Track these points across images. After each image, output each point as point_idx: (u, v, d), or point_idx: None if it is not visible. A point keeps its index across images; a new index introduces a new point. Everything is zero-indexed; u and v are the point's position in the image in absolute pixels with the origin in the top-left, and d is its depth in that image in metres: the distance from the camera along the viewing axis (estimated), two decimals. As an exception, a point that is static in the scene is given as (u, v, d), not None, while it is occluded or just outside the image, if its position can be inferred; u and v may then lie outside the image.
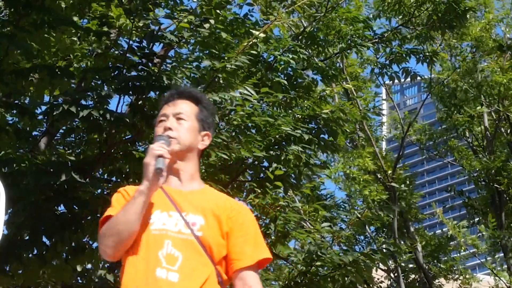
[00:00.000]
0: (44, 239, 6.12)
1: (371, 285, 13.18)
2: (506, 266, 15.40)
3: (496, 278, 15.30)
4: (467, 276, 16.63)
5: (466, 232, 14.74)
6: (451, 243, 16.88)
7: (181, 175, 2.63)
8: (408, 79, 12.03)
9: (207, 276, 2.45)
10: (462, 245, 15.05)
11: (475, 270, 17.51)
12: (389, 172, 15.12)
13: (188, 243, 2.47)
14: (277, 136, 7.13)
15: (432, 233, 18.17)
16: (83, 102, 6.10)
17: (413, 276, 16.37)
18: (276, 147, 7.22)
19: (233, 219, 2.58)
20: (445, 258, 16.62)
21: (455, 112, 15.77)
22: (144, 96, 6.27)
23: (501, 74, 14.67)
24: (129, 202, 2.49)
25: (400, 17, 11.99)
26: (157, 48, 7.19)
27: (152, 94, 6.30)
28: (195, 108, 2.72)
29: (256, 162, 7.36)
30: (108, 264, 6.98)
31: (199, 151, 2.71)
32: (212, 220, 2.53)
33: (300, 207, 9.90)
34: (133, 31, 6.68)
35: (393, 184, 14.76)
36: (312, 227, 9.49)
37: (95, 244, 6.59)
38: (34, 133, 7.30)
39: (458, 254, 17.95)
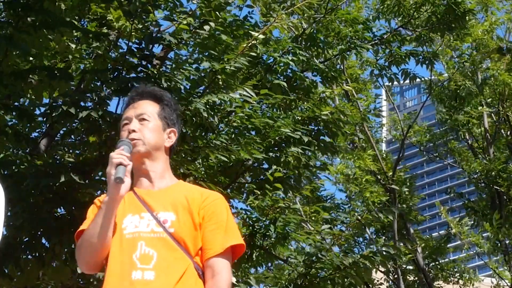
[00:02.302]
0: (43, 241, 6.12)
1: (371, 287, 13.17)
2: (508, 266, 15.40)
3: (498, 277, 15.31)
4: (467, 277, 16.62)
5: (470, 231, 14.78)
6: (450, 245, 16.90)
7: (150, 175, 2.66)
8: (408, 80, 12.03)
9: (183, 270, 2.46)
10: (465, 244, 15.07)
11: (475, 272, 17.43)
12: (389, 174, 15.12)
13: (161, 241, 2.49)
14: (276, 138, 7.13)
15: (429, 236, 18.18)
16: (82, 103, 6.09)
17: (412, 278, 16.36)
18: (276, 149, 7.22)
19: (205, 209, 2.59)
20: (445, 260, 16.63)
21: (456, 113, 15.78)
22: (143, 98, 6.25)
23: (507, 74, 14.67)
24: (97, 215, 2.54)
25: (400, 18, 11.99)
26: (157, 49, 7.20)
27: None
28: (157, 107, 2.75)
29: (256, 164, 7.36)
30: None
31: (166, 149, 2.74)
32: (183, 214, 2.55)
33: (300, 209, 9.91)
34: (133, 33, 6.68)
35: (393, 186, 14.76)
36: (312, 229, 9.49)
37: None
38: (34, 134, 7.29)
39: (459, 255, 17.97)
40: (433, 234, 19.63)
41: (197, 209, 2.57)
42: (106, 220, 2.50)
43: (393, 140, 19.02)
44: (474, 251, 16.11)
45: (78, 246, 2.57)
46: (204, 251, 2.54)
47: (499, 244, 15.05)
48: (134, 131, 2.66)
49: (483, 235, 15.47)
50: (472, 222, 15.56)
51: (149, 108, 2.73)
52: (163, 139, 2.72)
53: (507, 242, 15.61)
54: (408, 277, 16.28)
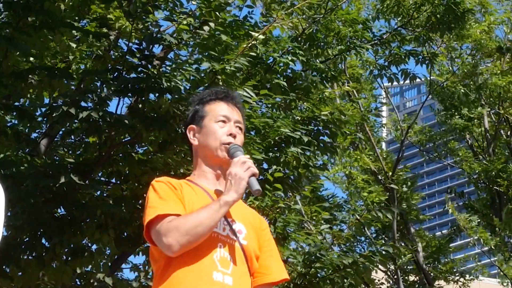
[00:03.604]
0: (44, 241, 6.12)
1: (371, 287, 13.17)
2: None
3: (503, 275, 15.32)
4: (471, 277, 16.64)
5: (477, 228, 14.79)
6: (452, 244, 16.91)
7: (227, 183, 2.55)
8: (407, 81, 12.04)
9: (250, 284, 2.47)
10: (471, 241, 15.08)
11: (476, 273, 17.42)
12: (390, 173, 15.13)
13: (235, 249, 2.46)
14: (276, 138, 7.13)
15: (432, 235, 18.18)
16: (82, 103, 6.10)
17: (413, 277, 16.36)
18: (276, 149, 7.22)
19: (263, 233, 2.60)
20: (446, 259, 16.64)
21: (455, 113, 15.79)
22: (143, 98, 6.26)
23: (500, 77, 14.69)
24: (213, 208, 2.40)
25: (399, 18, 12.00)
26: (157, 50, 7.20)
27: (151, 96, 6.30)
28: (242, 119, 2.69)
29: (256, 164, 7.35)
30: (109, 264, 6.98)
31: None
32: (251, 231, 2.55)
33: (301, 208, 9.90)
34: (133, 33, 6.68)
35: (392, 186, 14.76)
36: (313, 228, 9.49)
37: (94, 246, 6.59)
38: (34, 135, 7.30)
39: (462, 255, 17.95)
40: (436, 234, 19.61)
41: (259, 231, 2.58)
42: (220, 217, 2.40)
43: (394, 139, 19.02)
44: (480, 249, 16.12)
45: (175, 227, 2.37)
46: (260, 275, 2.53)
47: (506, 240, 15.08)
48: (235, 137, 2.59)
49: (488, 233, 15.47)
50: (478, 221, 15.59)
51: (241, 119, 2.68)
52: None
53: (510, 240, 15.64)
54: (409, 277, 16.29)
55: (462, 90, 14.98)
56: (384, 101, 17.86)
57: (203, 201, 2.48)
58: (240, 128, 2.63)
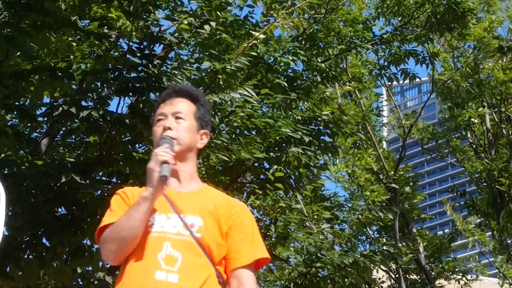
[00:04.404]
0: (44, 240, 6.11)
1: (372, 286, 13.17)
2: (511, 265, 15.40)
3: (502, 276, 15.32)
4: (473, 277, 16.64)
5: (476, 229, 14.79)
6: (453, 243, 16.90)
7: (180, 176, 2.61)
8: (408, 80, 12.03)
9: (206, 276, 2.44)
10: (470, 242, 15.08)
11: (477, 272, 17.43)
12: (391, 173, 15.12)
13: (187, 244, 2.45)
14: (277, 138, 7.13)
15: (433, 234, 18.18)
16: (83, 103, 6.09)
17: (414, 276, 16.36)
18: (276, 148, 7.22)
19: (232, 218, 2.56)
20: (448, 259, 16.63)
21: (457, 111, 15.79)
22: (144, 98, 6.26)
23: (503, 73, 14.68)
24: (133, 208, 2.47)
25: (400, 18, 11.99)
26: (157, 49, 7.19)
27: (152, 95, 6.29)
28: (193, 107, 2.69)
29: (256, 164, 7.35)
30: (108, 265, 6.98)
31: (198, 150, 2.69)
32: (210, 220, 2.52)
33: (303, 208, 9.90)
34: (133, 33, 6.67)
35: (393, 185, 14.76)
36: (314, 228, 9.48)
37: (95, 246, 6.59)
38: (34, 134, 7.29)
39: (462, 254, 17.94)
40: (438, 233, 19.61)
41: (224, 217, 2.54)
42: (143, 215, 2.43)
43: (397, 137, 19.02)
44: (479, 249, 16.12)
45: (105, 238, 2.48)
46: (231, 260, 2.52)
47: (504, 242, 15.08)
48: (170, 128, 2.60)
49: (487, 233, 15.48)
50: (480, 220, 15.59)
51: (185, 106, 2.67)
52: (196, 140, 2.66)
53: (509, 241, 15.62)
54: (410, 276, 16.28)
55: (465, 85, 14.96)
56: (385, 100, 17.87)
57: (155, 205, 2.51)
58: (181, 117, 2.63)
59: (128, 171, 6.69)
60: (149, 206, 2.45)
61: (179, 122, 2.63)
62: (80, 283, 6.85)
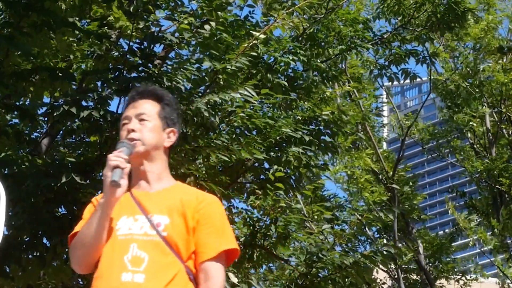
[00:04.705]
0: (44, 240, 6.11)
1: (372, 286, 13.17)
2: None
3: (503, 276, 15.32)
4: (473, 277, 16.63)
5: (476, 228, 14.79)
6: (454, 243, 16.90)
7: (148, 176, 2.64)
8: (408, 80, 12.03)
9: (174, 274, 2.45)
10: (471, 241, 15.09)
11: (476, 274, 17.43)
12: (391, 173, 15.13)
13: (154, 244, 2.48)
14: (277, 138, 7.13)
15: (434, 234, 18.18)
16: (83, 103, 6.09)
17: (414, 277, 16.36)
18: (277, 148, 7.22)
19: (200, 212, 2.57)
20: (448, 259, 16.63)
21: (457, 111, 15.79)
22: (144, 98, 6.25)
23: (503, 74, 14.68)
24: (92, 215, 2.53)
25: (400, 18, 11.99)
26: (158, 49, 7.19)
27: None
28: (157, 107, 2.72)
29: (257, 164, 7.35)
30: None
31: (166, 149, 2.72)
32: (177, 217, 2.54)
33: (303, 208, 9.90)
34: (133, 33, 6.67)
35: (393, 185, 14.76)
36: (314, 228, 9.49)
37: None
38: (35, 134, 7.29)
39: (462, 254, 17.92)
40: (439, 233, 19.61)
41: (191, 213, 2.55)
42: (100, 221, 2.49)
43: (397, 137, 19.02)
44: (480, 249, 16.12)
45: (72, 246, 2.57)
46: (198, 254, 2.53)
47: (504, 241, 15.08)
48: (133, 130, 2.64)
49: (488, 233, 15.47)
50: (479, 220, 15.60)
51: (149, 107, 2.70)
52: (162, 139, 2.69)
53: (509, 241, 15.62)
54: (410, 276, 16.29)
55: (465, 85, 14.97)
56: (385, 100, 17.88)
57: (121, 209, 2.55)
58: (144, 119, 2.67)
59: (128, 171, 6.67)
60: (105, 212, 2.49)
61: (143, 123, 2.66)
62: (80, 283, 6.84)
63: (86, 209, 2.66)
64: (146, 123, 2.66)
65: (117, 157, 2.51)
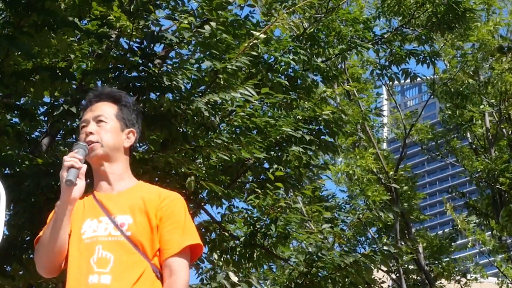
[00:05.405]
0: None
1: (372, 286, 13.17)
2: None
3: (502, 276, 15.33)
4: (473, 277, 16.63)
5: (475, 229, 14.80)
6: (453, 243, 16.91)
7: (109, 177, 2.67)
8: (408, 80, 12.03)
9: (140, 273, 2.47)
10: (470, 241, 15.09)
11: (476, 275, 17.43)
12: (391, 173, 15.13)
13: (118, 244, 2.50)
14: (277, 137, 7.13)
15: (433, 234, 18.18)
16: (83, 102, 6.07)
17: (414, 276, 16.37)
18: (277, 148, 7.22)
19: (162, 210, 2.59)
20: (447, 259, 16.64)
21: (458, 110, 15.79)
22: (144, 97, 6.26)
23: (507, 74, 14.70)
24: (52, 218, 2.56)
25: (400, 18, 11.99)
26: (158, 49, 7.19)
27: (152, 95, 6.30)
28: (114, 108, 2.75)
29: (257, 163, 7.36)
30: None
31: (125, 149, 2.75)
32: (140, 216, 2.56)
33: (303, 208, 9.90)
34: (133, 32, 6.67)
35: (394, 185, 14.77)
36: (314, 228, 9.49)
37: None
38: (35, 134, 7.29)
39: (462, 254, 17.92)
40: (438, 233, 19.61)
41: (154, 211, 2.57)
42: (59, 223, 2.51)
43: (396, 138, 19.01)
44: (479, 249, 16.13)
45: (35, 250, 2.61)
46: (162, 251, 2.54)
47: (504, 242, 15.09)
48: (91, 133, 2.66)
49: (487, 233, 15.49)
50: (479, 220, 15.61)
51: (106, 109, 2.73)
52: (121, 140, 2.72)
53: (508, 241, 15.63)
54: (410, 276, 16.29)
55: (469, 81, 14.96)
56: (385, 100, 17.88)
57: (85, 212, 2.58)
58: (102, 120, 2.69)
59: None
60: (63, 212, 2.52)
61: (100, 126, 2.69)
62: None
63: (50, 214, 2.68)
64: (104, 125, 2.69)
65: (71, 158, 2.53)
